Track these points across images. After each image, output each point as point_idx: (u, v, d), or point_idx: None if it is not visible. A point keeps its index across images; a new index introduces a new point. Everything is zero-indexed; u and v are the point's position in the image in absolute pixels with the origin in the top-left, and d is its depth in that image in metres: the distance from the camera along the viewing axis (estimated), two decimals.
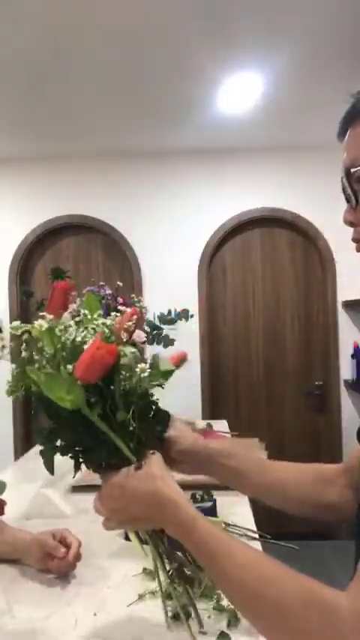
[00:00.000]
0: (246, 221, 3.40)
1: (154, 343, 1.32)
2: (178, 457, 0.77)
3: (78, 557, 1.04)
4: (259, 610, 0.55)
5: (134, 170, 3.41)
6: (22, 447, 3.36)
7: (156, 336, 1.31)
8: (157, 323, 1.32)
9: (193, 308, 3.29)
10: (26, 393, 0.65)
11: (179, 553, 0.71)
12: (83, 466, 0.69)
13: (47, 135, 3.04)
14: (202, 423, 2.37)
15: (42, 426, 0.66)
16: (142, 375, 0.66)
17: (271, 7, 1.82)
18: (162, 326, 1.33)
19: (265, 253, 3.47)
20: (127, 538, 1.20)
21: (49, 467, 0.68)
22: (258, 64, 2.24)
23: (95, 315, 0.68)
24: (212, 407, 3.38)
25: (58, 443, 0.66)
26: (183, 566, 0.72)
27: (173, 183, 3.41)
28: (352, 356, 3.31)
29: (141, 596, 0.96)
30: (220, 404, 3.46)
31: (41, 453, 0.67)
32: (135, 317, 0.69)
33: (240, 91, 2.49)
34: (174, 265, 3.37)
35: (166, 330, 1.36)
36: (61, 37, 1.98)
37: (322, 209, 3.30)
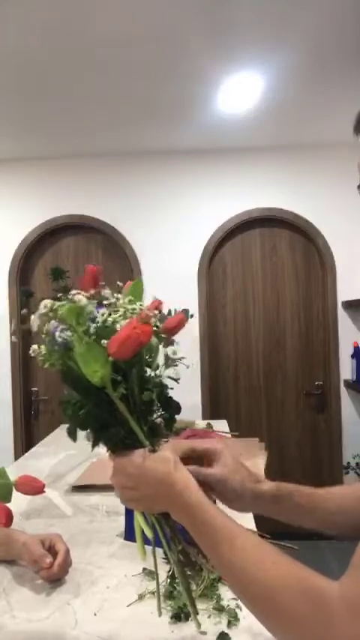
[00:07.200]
0: (246, 221, 3.40)
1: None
2: (229, 496, 0.74)
3: (65, 564, 1.03)
4: (254, 595, 0.56)
5: (134, 170, 3.41)
6: (22, 446, 3.36)
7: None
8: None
9: (193, 308, 3.29)
10: (56, 365, 0.68)
11: (182, 538, 0.72)
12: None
13: (48, 135, 3.04)
14: (202, 423, 2.37)
15: (66, 398, 0.70)
16: (163, 362, 0.70)
17: (271, 7, 1.82)
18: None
19: (265, 253, 3.47)
20: (126, 538, 1.20)
21: (73, 435, 0.70)
22: (258, 64, 2.24)
23: (126, 300, 0.72)
24: (212, 407, 3.39)
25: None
26: (187, 550, 0.72)
27: (173, 183, 3.41)
28: (352, 356, 3.31)
29: (141, 596, 0.96)
30: (220, 404, 3.46)
31: (68, 421, 0.71)
32: (161, 306, 0.73)
33: (240, 91, 2.49)
34: (174, 265, 3.37)
35: None
36: (62, 38, 1.98)
37: (322, 209, 3.29)
